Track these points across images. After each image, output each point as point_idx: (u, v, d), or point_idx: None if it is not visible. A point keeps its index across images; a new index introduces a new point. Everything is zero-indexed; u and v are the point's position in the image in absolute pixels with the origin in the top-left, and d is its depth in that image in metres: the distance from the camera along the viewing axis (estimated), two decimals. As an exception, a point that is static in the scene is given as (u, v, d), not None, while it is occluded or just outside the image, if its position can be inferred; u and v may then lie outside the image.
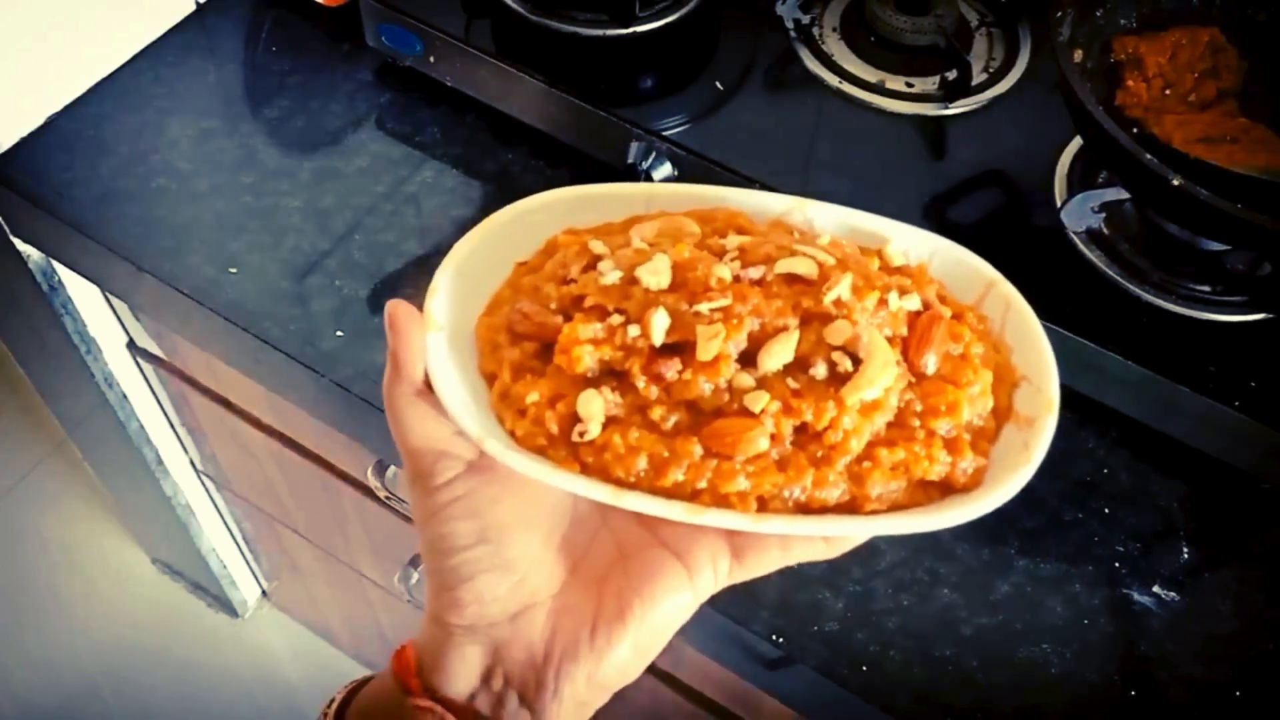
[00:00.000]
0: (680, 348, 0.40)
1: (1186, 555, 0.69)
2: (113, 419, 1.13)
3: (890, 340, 0.41)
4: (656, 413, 0.40)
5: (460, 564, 0.41)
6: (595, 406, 0.40)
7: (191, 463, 1.25)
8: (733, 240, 0.44)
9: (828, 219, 0.47)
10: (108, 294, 1.00)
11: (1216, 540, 0.70)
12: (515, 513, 0.42)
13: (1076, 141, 0.76)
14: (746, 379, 0.40)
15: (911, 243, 0.46)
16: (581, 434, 0.40)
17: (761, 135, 0.78)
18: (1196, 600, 0.67)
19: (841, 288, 0.41)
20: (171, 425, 1.19)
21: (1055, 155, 0.76)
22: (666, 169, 0.77)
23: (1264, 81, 0.73)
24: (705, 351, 0.40)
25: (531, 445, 0.40)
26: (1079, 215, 0.71)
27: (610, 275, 0.42)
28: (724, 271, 0.41)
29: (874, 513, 0.40)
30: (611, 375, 0.41)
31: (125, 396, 1.11)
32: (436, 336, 0.43)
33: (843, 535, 0.42)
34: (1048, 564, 0.68)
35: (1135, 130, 0.67)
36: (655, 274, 0.41)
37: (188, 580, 1.58)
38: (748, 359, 0.40)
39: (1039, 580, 0.68)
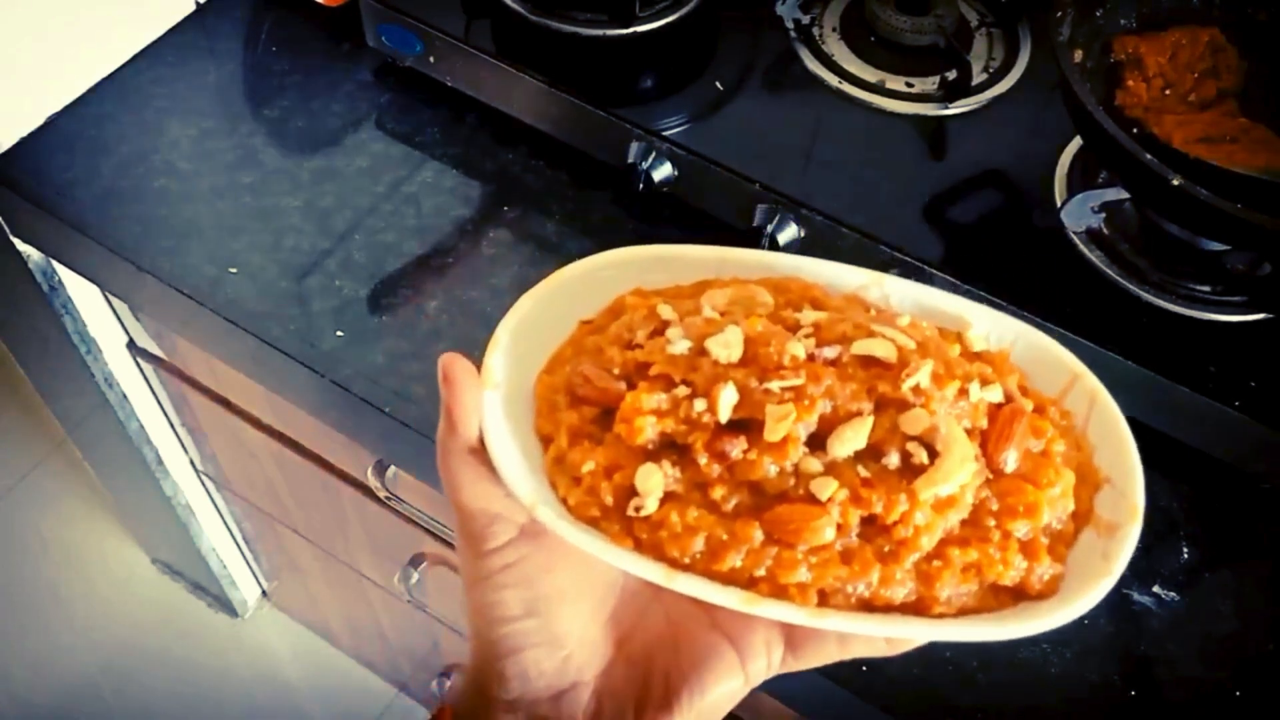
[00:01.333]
0: (747, 425, 0.38)
1: (1186, 555, 0.69)
2: (113, 419, 1.13)
3: (969, 433, 0.39)
4: (717, 492, 0.38)
5: (508, 635, 0.40)
6: (654, 482, 0.38)
7: (191, 463, 1.25)
8: (808, 315, 0.42)
9: (905, 296, 0.45)
10: (108, 294, 1.00)
11: (1216, 540, 0.70)
12: (566, 584, 0.40)
13: (1076, 141, 0.76)
14: (814, 464, 0.38)
15: (993, 327, 0.44)
16: (638, 509, 0.38)
17: (761, 135, 0.78)
18: (1196, 600, 0.67)
19: (921, 375, 0.39)
20: (171, 425, 1.19)
21: (1055, 155, 0.76)
22: (666, 169, 0.77)
23: (1264, 81, 0.73)
24: (773, 432, 0.38)
25: (584, 515, 0.39)
26: (1079, 215, 0.70)
27: (679, 344, 0.40)
28: (798, 349, 0.39)
29: (941, 616, 0.38)
30: (672, 448, 0.39)
31: (125, 396, 1.11)
32: (493, 395, 0.41)
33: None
34: (1048, 564, 0.68)
35: (1135, 130, 0.67)
36: (726, 347, 0.40)
37: (188, 580, 1.58)
38: (817, 443, 0.38)
39: (1039, 580, 0.68)
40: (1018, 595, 0.39)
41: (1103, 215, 0.71)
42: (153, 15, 0.91)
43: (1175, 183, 0.60)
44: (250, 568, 1.51)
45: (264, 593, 1.58)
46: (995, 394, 0.40)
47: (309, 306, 0.77)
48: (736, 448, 0.38)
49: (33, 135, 0.85)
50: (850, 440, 0.38)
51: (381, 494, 0.92)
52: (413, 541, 1.00)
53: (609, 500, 0.38)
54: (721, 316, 0.42)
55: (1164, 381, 0.66)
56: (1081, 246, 0.71)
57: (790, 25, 0.84)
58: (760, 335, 0.40)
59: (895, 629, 0.37)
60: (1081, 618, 0.66)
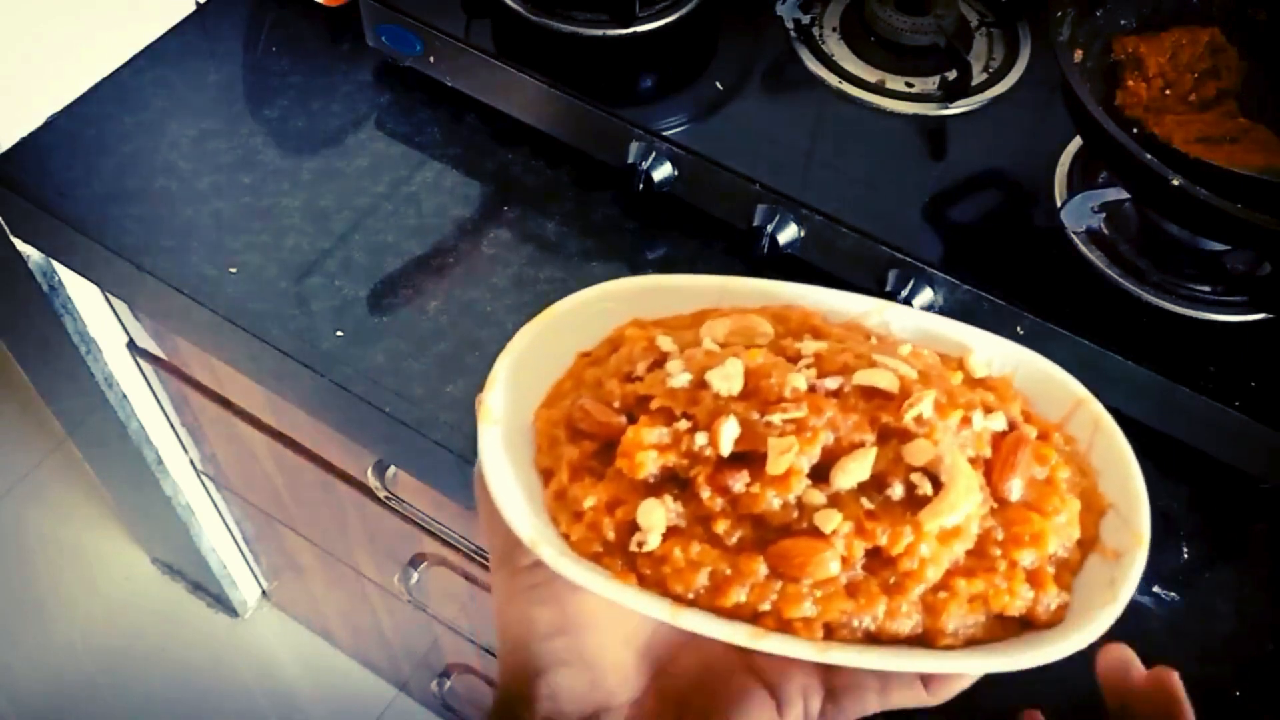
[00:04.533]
0: (749, 458, 0.38)
1: (1186, 555, 0.69)
2: (113, 419, 1.13)
3: (973, 461, 0.39)
4: (720, 526, 0.38)
5: (537, 654, 0.39)
6: (656, 517, 0.38)
7: (191, 463, 1.25)
8: (809, 345, 0.41)
9: (906, 324, 0.44)
10: (108, 294, 1.00)
11: (1216, 540, 0.70)
12: (597, 607, 0.40)
13: (1076, 141, 0.76)
14: (818, 496, 0.38)
15: (995, 353, 0.44)
16: (640, 544, 0.38)
17: (761, 135, 0.78)
18: (1196, 600, 0.67)
19: (924, 405, 0.39)
20: (171, 425, 1.19)
21: (1055, 155, 0.76)
22: (667, 169, 0.77)
23: (1264, 81, 0.73)
24: (776, 465, 0.37)
25: (586, 551, 0.38)
26: (1079, 215, 0.70)
27: (679, 378, 0.40)
28: (799, 380, 0.39)
29: (948, 648, 0.38)
30: (674, 482, 0.39)
31: (125, 396, 1.11)
32: (492, 431, 0.41)
33: (944, 680, 0.39)
34: (1048, 564, 0.68)
35: (1135, 130, 0.67)
36: (726, 379, 0.39)
37: (188, 580, 1.58)
38: (820, 475, 0.38)
39: (1039, 580, 0.68)
40: (1024, 624, 0.39)
41: (1103, 215, 0.71)
42: (153, 15, 0.91)
43: (1175, 183, 0.60)
44: (250, 568, 1.51)
45: (264, 593, 1.58)
46: (999, 422, 0.40)
47: (309, 306, 0.77)
48: (739, 481, 0.37)
49: (33, 135, 0.85)
50: (854, 472, 0.38)
51: (381, 494, 0.92)
52: (413, 541, 1.00)
53: (611, 536, 0.38)
54: (722, 348, 0.41)
55: (1164, 381, 0.66)
56: (1081, 246, 0.71)
57: (790, 25, 0.84)
58: (761, 367, 0.40)
59: (902, 662, 0.37)
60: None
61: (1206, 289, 0.70)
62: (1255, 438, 0.66)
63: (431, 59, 0.84)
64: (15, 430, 1.75)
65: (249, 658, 1.56)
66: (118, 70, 0.89)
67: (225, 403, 1.03)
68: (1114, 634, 0.66)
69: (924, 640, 0.37)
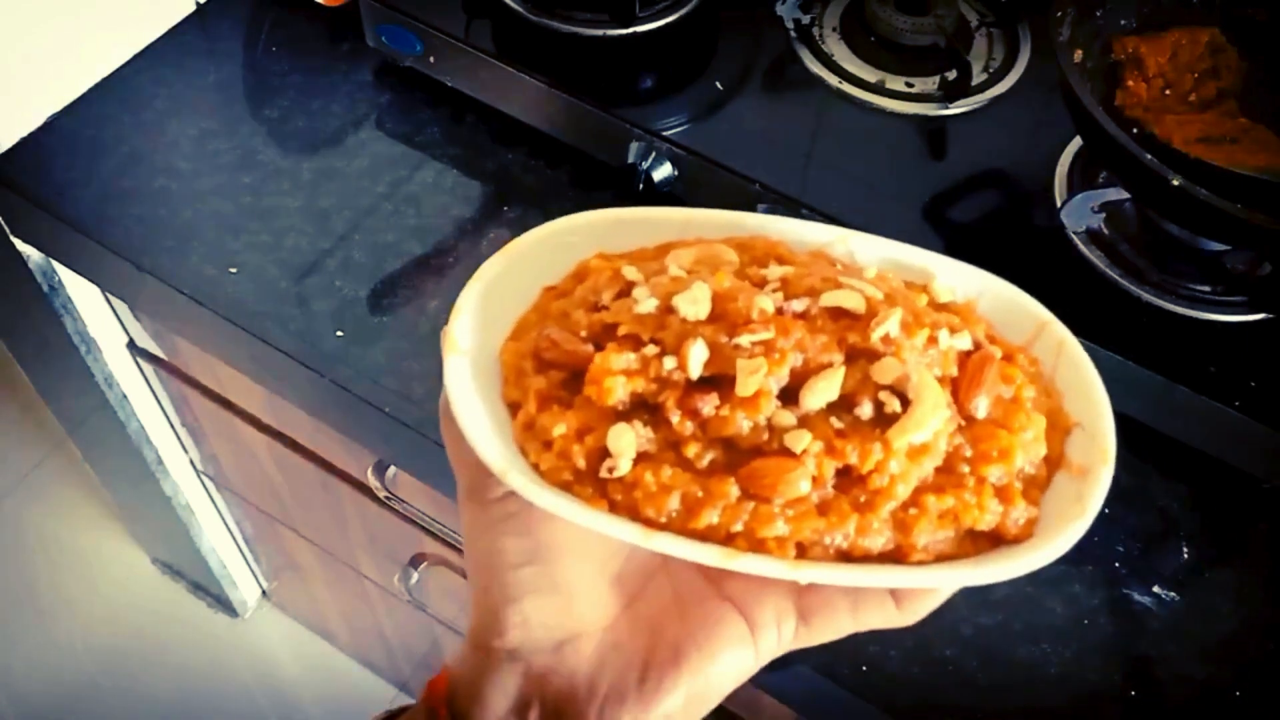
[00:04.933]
0: (718, 382, 0.38)
1: (1186, 555, 0.69)
2: (113, 419, 1.13)
3: (939, 381, 0.39)
4: (691, 450, 0.37)
5: (509, 582, 0.39)
6: (626, 441, 0.37)
7: (191, 463, 1.25)
8: (774, 270, 0.41)
9: (871, 252, 0.44)
10: (108, 294, 1.00)
11: (1216, 540, 0.70)
12: (568, 536, 0.39)
13: (1076, 141, 0.76)
14: (787, 417, 0.38)
15: (959, 279, 0.44)
16: (611, 470, 0.37)
17: (761, 135, 0.78)
18: (1196, 600, 0.67)
19: (890, 324, 0.39)
20: (171, 425, 1.19)
21: (1055, 155, 0.76)
22: (666, 169, 0.77)
23: (1264, 81, 0.73)
24: (745, 387, 0.37)
25: (556, 480, 0.38)
26: (1079, 215, 0.70)
27: (646, 303, 0.40)
28: (766, 303, 0.39)
29: (920, 563, 0.38)
30: (643, 409, 0.38)
31: (125, 396, 1.11)
32: (459, 361, 0.41)
33: (915, 597, 0.40)
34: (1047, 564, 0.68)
35: (1135, 130, 0.67)
36: (694, 303, 0.39)
37: (188, 580, 1.58)
38: (789, 396, 0.38)
39: (1039, 580, 0.68)
40: (994, 540, 0.39)
41: (1103, 215, 0.71)
42: (153, 15, 0.91)
43: (1175, 183, 0.60)
44: (250, 568, 1.51)
45: (264, 593, 1.58)
46: (964, 341, 0.40)
47: (309, 306, 0.77)
48: (709, 404, 0.37)
49: (33, 135, 0.85)
50: (822, 392, 0.38)
51: (381, 494, 0.92)
52: (413, 541, 1.00)
53: (581, 464, 0.38)
54: (688, 275, 0.41)
55: (1164, 381, 0.66)
56: (1081, 246, 0.71)
57: (790, 25, 0.84)
58: (728, 291, 0.39)
59: (875, 578, 0.37)
60: (1081, 618, 0.66)
61: (1206, 289, 0.70)
62: (1255, 438, 0.66)
63: (431, 59, 0.84)
64: (15, 430, 1.75)
65: (249, 658, 1.56)
66: (118, 70, 0.89)
67: (225, 403, 1.03)
68: (1115, 634, 0.66)
69: (896, 557, 0.38)
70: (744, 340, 0.38)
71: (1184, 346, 0.68)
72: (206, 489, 1.30)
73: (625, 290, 0.41)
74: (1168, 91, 0.73)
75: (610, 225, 0.45)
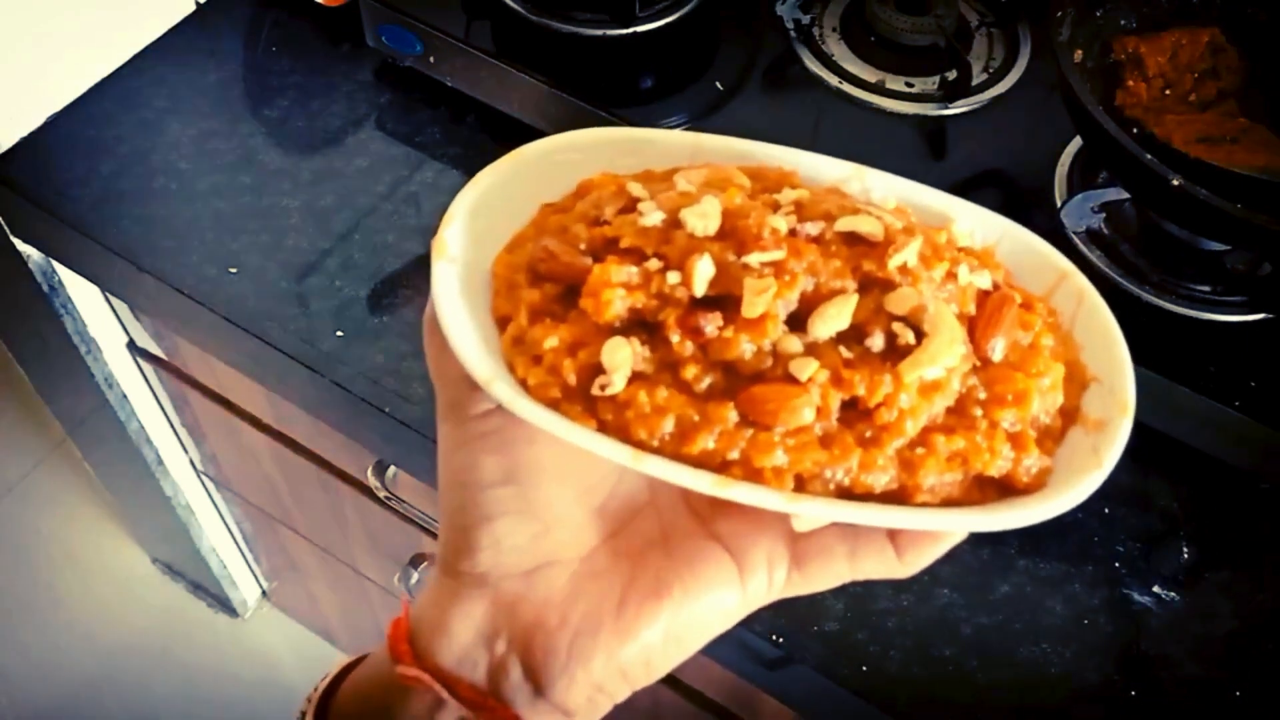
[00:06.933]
0: (723, 302, 0.35)
1: (1186, 555, 0.69)
2: (113, 419, 1.13)
3: (957, 318, 0.36)
4: (690, 371, 0.35)
5: (481, 501, 0.36)
6: (621, 356, 0.35)
7: (191, 463, 1.25)
8: (788, 194, 0.39)
9: (888, 189, 0.42)
10: (108, 294, 1.00)
11: (1216, 540, 0.70)
12: (549, 459, 0.37)
13: (1076, 141, 0.76)
14: (794, 343, 0.35)
15: (978, 223, 0.41)
16: (603, 387, 0.35)
17: (761, 135, 0.77)
18: (1196, 600, 0.67)
19: (908, 252, 0.36)
20: (171, 425, 1.19)
21: (1055, 155, 0.76)
22: (666, 169, 0.77)
23: (1264, 81, 0.73)
24: (751, 308, 0.35)
25: (544, 397, 0.35)
26: (1079, 215, 0.71)
27: (652, 216, 0.37)
28: (779, 223, 0.36)
29: (924, 505, 0.35)
30: (642, 327, 0.36)
31: (125, 396, 1.11)
32: (447, 268, 0.38)
33: (917, 545, 0.37)
34: (1047, 564, 0.68)
35: (1135, 130, 0.67)
36: (703, 217, 0.36)
37: (188, 580, 1.58)
38: (797, 322, 0.35)
39: (1039, 580, 0.68)
40: (1004, 489, 0.36)
41: (1103, 215, 0.71)
42: (153, 15, 0.91)
43: (1175, 183, 0.60)
44: (250, 568, 1.51)
45: (264, 593, 1.58)
46: (985, 280, 0.38)
47: (309, 306, 0.77)
48: (712, 324, 0.35)
49: (33, 135, 0.85)
50: (833, 319, 0.35)
51: (381, 494, 0.92)
52: (413, 541, 1.00)
53: (572, 380, 0.35)
54: (696, 192, 0.38)
55: (1164, 381, 0.66)
56: (1081, 246, 0.71)
57: (790, 25, 0.84)
58: (740, 208, 0.37)
59: (877, 516, 0.35)
60: (1081, 618, 0.66)
61: (1206, 289, 0.70)
62: (1255, 438, 0.66)
63: (431, 59, 0.84)
64: (15, 430, 1.75)
65: (249, 658, 1.57)
66: (118, 70, 0.89)
67: (225, 403, 1.03)
68: (1115, 634, 0.66)
69: (899, 498, 0.35)
70: (753, 260, 0.36)
71: (1184, 346, 0.68)
72: (206, 489, 1.30)
73: (629, 206, 0.38)
74: (1168, 91, 0.73)
75: (617, 144, 0.42)
